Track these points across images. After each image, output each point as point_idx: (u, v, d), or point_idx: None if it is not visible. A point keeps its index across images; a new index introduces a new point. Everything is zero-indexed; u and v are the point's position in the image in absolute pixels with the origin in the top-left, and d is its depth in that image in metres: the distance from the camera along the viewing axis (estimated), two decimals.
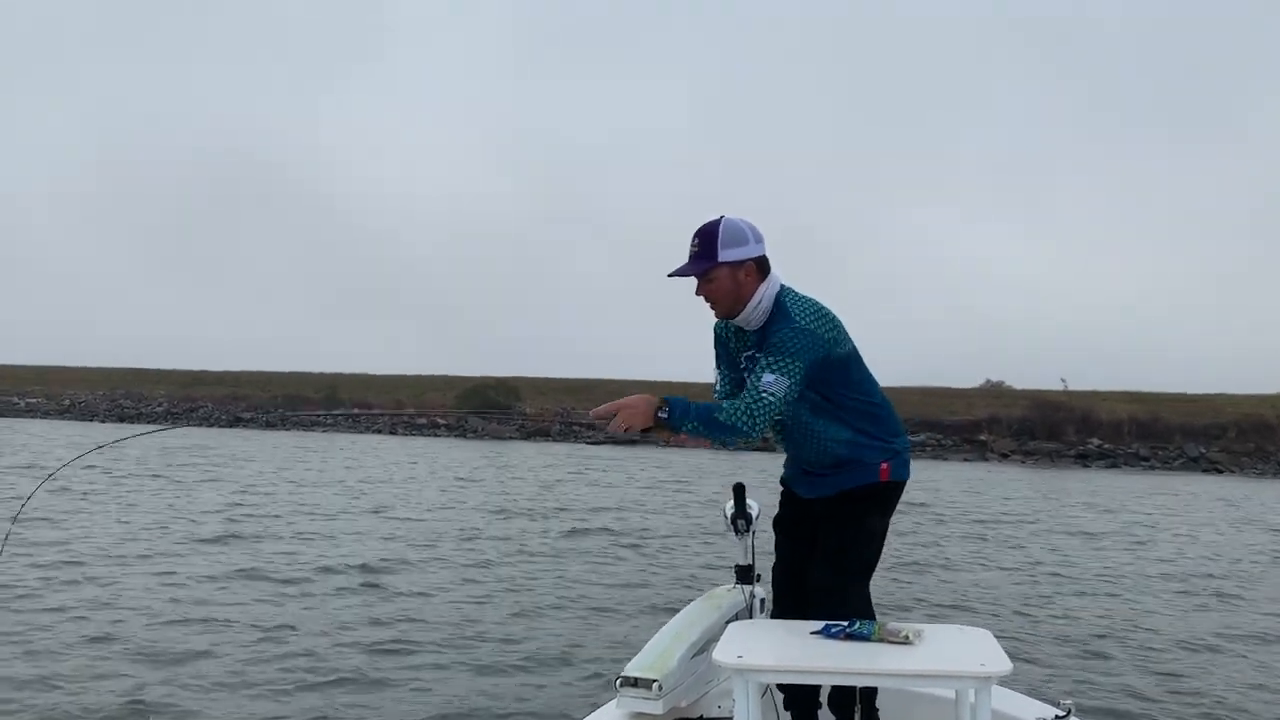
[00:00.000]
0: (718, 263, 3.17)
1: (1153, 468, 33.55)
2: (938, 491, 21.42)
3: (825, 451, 3.29)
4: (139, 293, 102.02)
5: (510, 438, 41.15)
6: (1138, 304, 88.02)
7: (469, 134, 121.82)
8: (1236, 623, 9.21)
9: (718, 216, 3.23)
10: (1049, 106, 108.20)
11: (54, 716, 5.53)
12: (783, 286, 3.24)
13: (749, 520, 3.73)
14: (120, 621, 7.60)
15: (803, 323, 3.12)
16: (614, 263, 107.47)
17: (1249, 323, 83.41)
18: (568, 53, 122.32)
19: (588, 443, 38.91)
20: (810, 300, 3.23)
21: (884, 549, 3.38)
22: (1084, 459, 34.77)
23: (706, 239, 3.19)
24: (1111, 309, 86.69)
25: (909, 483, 3.40)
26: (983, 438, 37.38)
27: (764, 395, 3.02)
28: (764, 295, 3.20)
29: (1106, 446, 35.62)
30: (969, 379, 51.84)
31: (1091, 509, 19.59)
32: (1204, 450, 34.73)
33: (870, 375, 3.37)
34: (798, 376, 3.05)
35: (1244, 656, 7.94)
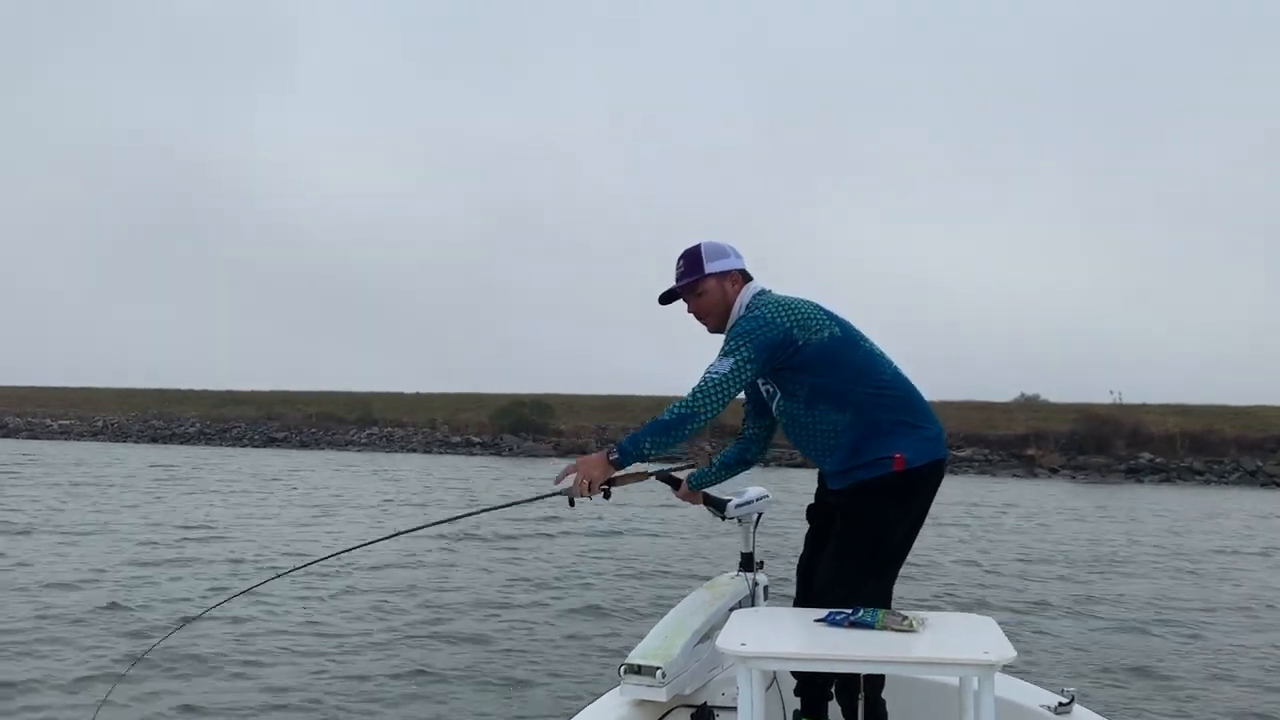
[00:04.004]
0: (705, 274, 3.35)
1: (1208, 482, 32.73)
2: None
3: (827, 443, 3.30)
4: (129, 313, 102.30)
5: (546, 455, 40.76)
6: (1161, 314, 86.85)
7: (399, 138, 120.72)
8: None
9: (697, 243, 3.41)
10: (1013, 106, 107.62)
11: None
12: (761, 290, 3.37)
13: (720, 506, 3.72)
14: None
15: (755, 313, 3.24)
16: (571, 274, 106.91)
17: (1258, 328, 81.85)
18: (474, 54, 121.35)
19: None
20: (776, 296, 3.33)
21: (914, 540, 3.32)
22: (1135, 473, 33.99)
23: (691, 257, 3.39)
24: (1138, 319, 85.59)
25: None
26: (1030, 452, 36.60)
27: (708, 375, 3.12)
28: (743, 300, 3.34)
29: (1158, 461, 34.78)
30: (995, 393, 51.01)
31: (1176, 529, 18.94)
32: (1260, 464, 33.83)
33: (876, 356, 3.33)
34: (744, 356, 3.13)
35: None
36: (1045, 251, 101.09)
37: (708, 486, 3.78)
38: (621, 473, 3.18)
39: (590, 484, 3.10)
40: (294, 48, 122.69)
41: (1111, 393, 43.47)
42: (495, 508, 3.74)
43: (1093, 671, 7.01)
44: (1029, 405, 50.85)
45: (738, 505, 3.73)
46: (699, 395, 3.10)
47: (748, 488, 3.80)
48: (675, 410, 3.10)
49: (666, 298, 3.45)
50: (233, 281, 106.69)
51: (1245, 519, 20.85)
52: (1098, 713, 3.22)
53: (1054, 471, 34.83)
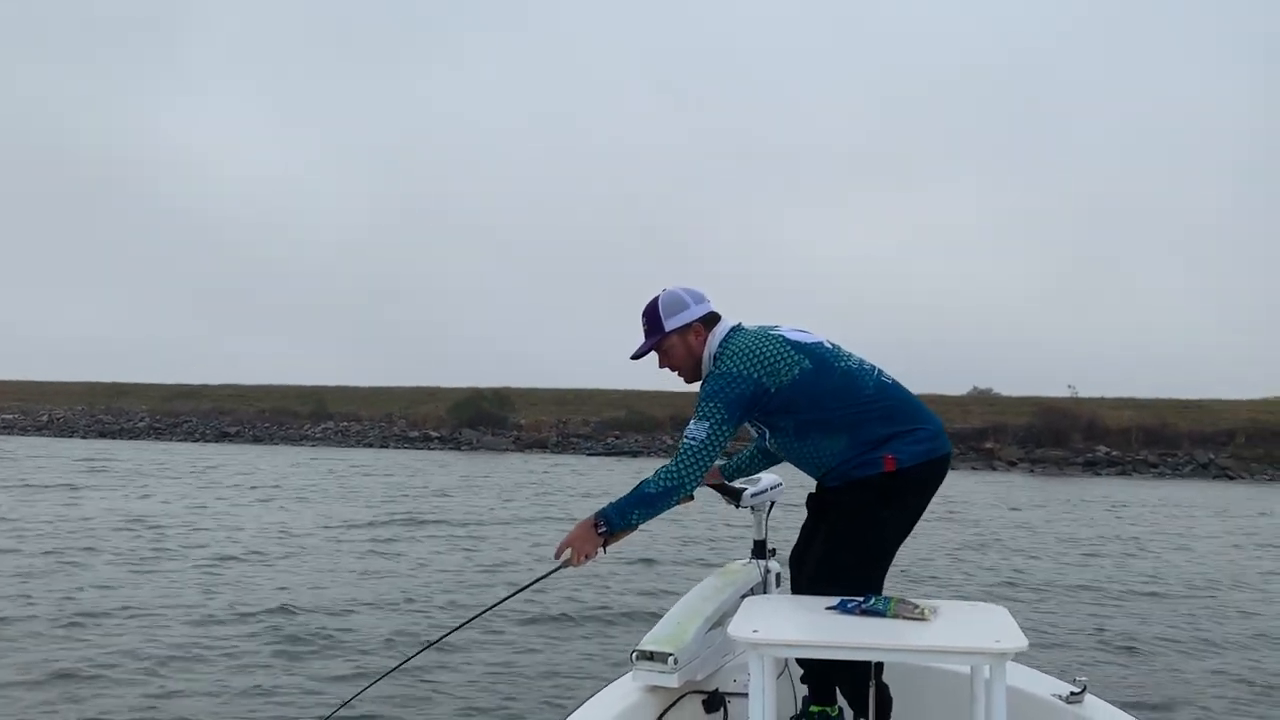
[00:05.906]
0: (666, 333, 3.35)
1: (1163, 474, 33.26)
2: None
3: (824, 465, 3.32)
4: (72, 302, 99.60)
5: (506, 450, 40.38)
6: (1127, 311, 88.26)
7: (328, 126, 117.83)
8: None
9: (657, 293, 3.41)
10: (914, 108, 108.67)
11: None
12: (730, 329, 3.34)
13: (735, 495, 3.72)
14: None
15: (721, 368, 3.23)
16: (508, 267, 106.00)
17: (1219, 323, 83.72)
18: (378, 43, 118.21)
19: (587, 454, 38.27)
20: (743, 337, 3.28)
21: (907, 535, 3.34)
22: (1093, 466, 34.44)
23: (650, 316, 3.39)
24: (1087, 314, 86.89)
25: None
26: (988, 445, 36.92)
27: (685, 442, 3.17)
28: (711, 347, 3.33)
29: (1115, 454, 35.29)
30: (947, 386, 51.33)
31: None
32: (1213, 457, 34.46)
33: (854, 374, 3.30)
34: (718, 418, 3.16)
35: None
36: (991, 248, 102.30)
37: (741, 476, 3.79)
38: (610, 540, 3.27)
39: (586, 557, 3.23)
40: (204, 28, 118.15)
41: (1070, 387, 44.16)
42: (512, 595, 3.69)
43: (1102, 660, 7.01)
44: (983, 398, 51.35)
45: (753, 495, 3.72)
46: (680, 464, 3.17)
47: (762, 475, 3.81)
48: (660, 482, 3.17)
49: (639, 354, 3.48)
50: (177, 275, 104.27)
51: (1210, 509, 21.15)
52: (1110, 702, 3.19)
53: (1012, 465, 35.17)
